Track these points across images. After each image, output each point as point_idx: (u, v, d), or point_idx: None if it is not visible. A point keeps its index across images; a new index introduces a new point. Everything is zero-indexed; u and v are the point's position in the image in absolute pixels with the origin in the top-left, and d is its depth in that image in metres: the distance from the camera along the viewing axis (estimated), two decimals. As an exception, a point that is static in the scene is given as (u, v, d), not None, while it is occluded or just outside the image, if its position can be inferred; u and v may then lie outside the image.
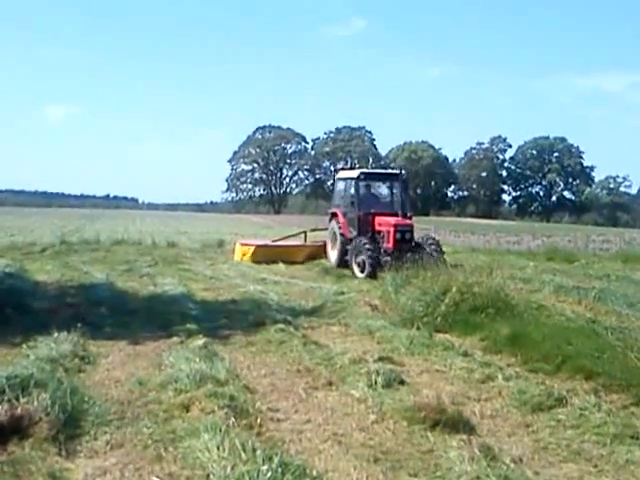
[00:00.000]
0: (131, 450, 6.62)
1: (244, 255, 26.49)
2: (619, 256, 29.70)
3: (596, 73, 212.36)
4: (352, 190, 23.85)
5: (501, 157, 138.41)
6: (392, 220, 22.12)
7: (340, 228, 23.78)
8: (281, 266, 24.50)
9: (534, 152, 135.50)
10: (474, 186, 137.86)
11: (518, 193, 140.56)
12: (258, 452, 5.98)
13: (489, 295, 13.90)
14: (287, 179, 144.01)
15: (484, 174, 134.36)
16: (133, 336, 12.00)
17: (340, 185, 25.75)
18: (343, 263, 22.94)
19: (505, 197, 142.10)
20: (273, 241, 28.49)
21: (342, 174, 26.57)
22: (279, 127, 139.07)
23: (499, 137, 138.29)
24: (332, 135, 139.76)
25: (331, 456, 6.56)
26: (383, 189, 25.71)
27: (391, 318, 14.10)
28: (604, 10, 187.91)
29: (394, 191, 24.73)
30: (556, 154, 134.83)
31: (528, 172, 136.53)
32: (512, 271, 21.20)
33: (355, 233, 22.87)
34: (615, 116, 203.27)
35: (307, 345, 11.34)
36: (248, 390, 8.68)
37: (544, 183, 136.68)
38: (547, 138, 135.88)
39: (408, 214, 23.15)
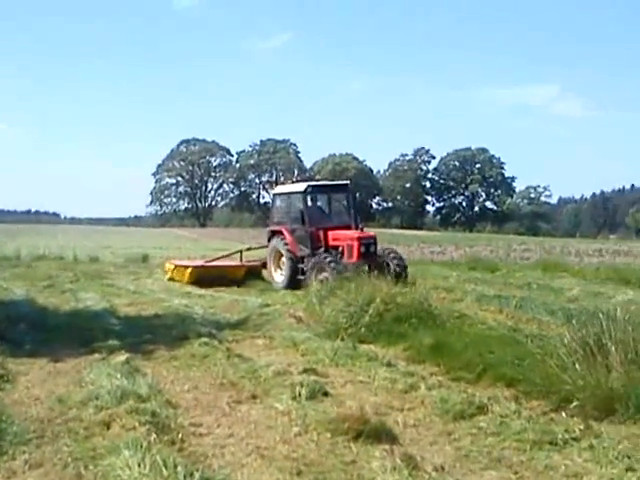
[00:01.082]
0: (50, 469, 6.50)
1: (178, 276, 24.31)
2: (539, 265, 30.29)
3: (518, 86, 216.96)
4: (299, 205, 22.41)
5: (425, 168, 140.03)
6: (354, 233, 21.15)
7: (286, 246, 22.22)
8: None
9: (456, 163, 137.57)
10: (398, 197, 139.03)
11: (442, 204, 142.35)
12: (179, 468, 5.92)
13: (412, 305, 14.09)
14: (212, 192, 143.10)
15: (408, 185, 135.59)
16: (54, 353, 11.78)
17: (281, 201, 24.31)
18: (294, 283, 21.44)
19: (429, 208, 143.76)
20: (207, 261, 26.20)
21: (282, 189, 25.19)
22: (204, 140, 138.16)
23: (422, 148, 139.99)
24: (257, 148, 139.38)
25: (254, 470, 6.52)
26: (332, 202, 24.06)
27: (315, 330, 14.11)
28: (527, 24, 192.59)
29: (344, 203, 23.80)
30: (478, 165, 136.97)
31: (451, 183, 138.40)
32: (435, 281, 21.51)
33: (307, 251, 21.55)
34: (536, 127, 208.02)
35: (231, 358, 11.28)
36: (170, 405, 8.58)
37: (467, 194, 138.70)
38: (469, 149, 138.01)
39: (360, 226, 21.98)
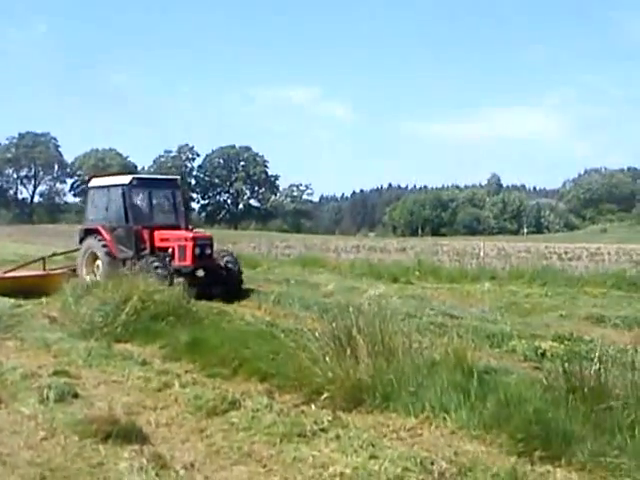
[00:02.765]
0: None
1: None
2: (299, 260, 31.09)
3: (282, 87, 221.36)
4: (122, 199, 19.73)
5: (189, 165, 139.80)
6: (187, 233, 19.11)
7: (104, 247, 19.58)
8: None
9: (221, 161, 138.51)
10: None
11: (207, 201, 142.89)
12: None
13: (170, 302, 13.95)
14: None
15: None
16: None
17: (99, 195, 21.19)
18: None
19: (194, 205, 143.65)
20: (5, 272, 21.29)
21: (100, 181, 21.80)
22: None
23: (186, 145, 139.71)
24: (15, 141, 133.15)
25: (-6, 478, 6.20)
26: (159, 198, 21.82)
27: (70, 330, 13.63)
28: (285, 25, 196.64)
29: (172, 200, 21.29)
30: (242, 163, 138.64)
31: (216, 180, 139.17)
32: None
33: (130, 252, 19.05)
34: (299, 128, 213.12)
35: (-24, 363, 10.65)
36: None
37: (232, 191, 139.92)
38: (233, 147, 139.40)
39: (190, 226, 20.21)
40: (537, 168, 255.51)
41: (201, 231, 20.41)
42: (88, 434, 7.16)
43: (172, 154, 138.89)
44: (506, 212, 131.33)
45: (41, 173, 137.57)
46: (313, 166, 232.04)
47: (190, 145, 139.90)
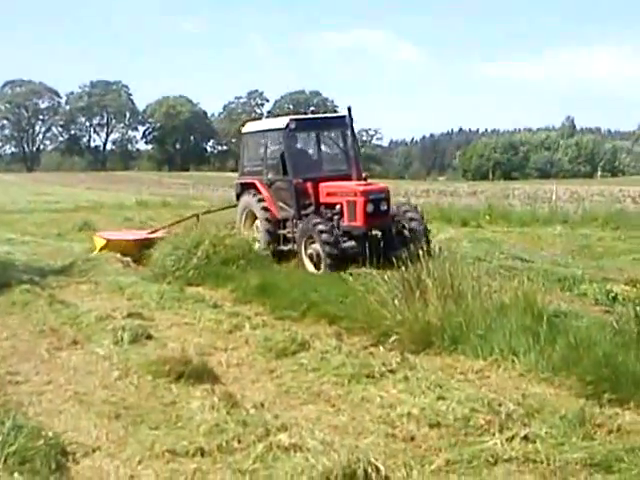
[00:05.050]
0: None
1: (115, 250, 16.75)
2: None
3: (350, 30, 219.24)
4: (279, 148, 16.23)
5: (259, 111, 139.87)
6: (357, 186, 14.59)
7: (262, 204, 16.02)
8: (29, 227, 23.43)
9: (291, 106, 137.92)
10: (233, 140, 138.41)
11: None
12: (-9, 417, 5.72)
13: (240, 247, 14.07)
14: (40, 136, 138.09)
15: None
16: None
17: (254, 143, 17.77)
18: (274, 254, 15.26)
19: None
20: (150, 232, 18.25)
21: (255, 126, 18.18)
22: (30, 81, 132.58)
23: (256, 91, 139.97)
24: (87, 89, 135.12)
25: (71, 415, 6.42)
26: (325, 143, 17.96)
27: (143, 274, 13.96)
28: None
29: (341, 144, 17.13)
30: (312, 108, 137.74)
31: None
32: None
33: (292, 211, 15.43)
34: (368, 71, 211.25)
35: (53, 305, 11.00)
36: (-15, 355, 8.29)
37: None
38: (303, 92, 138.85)
39: (364, 174, 15.32)
40: (613, 110, 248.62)
41: (374, 182, 16.13)
42: (161, 374, 7.34)
43: (242, 100, 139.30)
44: (580, 155, 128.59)
45: (113, 121, 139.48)
46: (383, 111, 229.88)
47: (260, 91, 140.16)
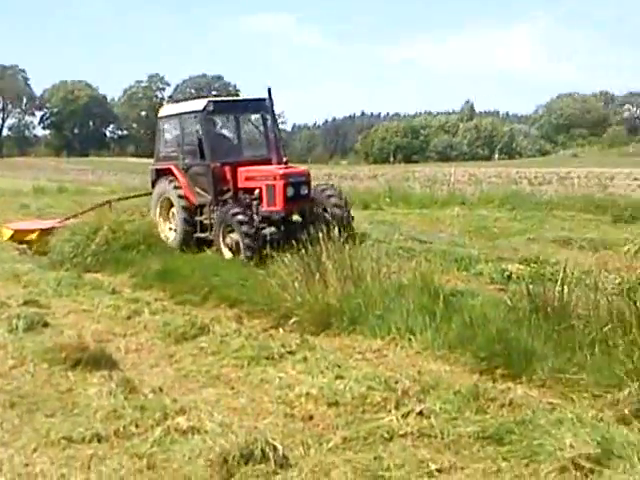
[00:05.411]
0: None
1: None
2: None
3: (251, 14, 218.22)
4: (197, 130, 15.27)
5: (160, 96, 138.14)
6: (276, 170, 13.93)
7: (178, 190, 15.09)
8: None
9: (192, 91, 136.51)
10: (134, 125, 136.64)
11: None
12: None
13: (141, 232, 13.93)
14: None
15: (144, 113, 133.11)
16: None
17: (170, 126, 16.76)
18: (193, 242, 14.55)
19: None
20: (61, 221, 16.78)
21: (171, 109, 17.51)
22: None
23: (157, 75, 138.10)
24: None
25: (-37, 406, 6.26)
26: (244, 126, 17.21)
27: (40, 262, 13.69)
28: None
29: (261, 128, 16.53)
30: (214, 92, 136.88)
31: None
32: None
33: (209, 196, 14.65)
34: (269, 56, 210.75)
35: (-55, 294, 10.67)
36: None
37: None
38: (204, 76, 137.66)
39: (284, 159, 14.41)
40: (511, 93, 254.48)
41: (295, 166, 15.48)
42: (57, 362, 7.23)
43: (143, 84, 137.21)
44: (479, 138, 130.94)
45: (9, 106, 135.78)
46: (285, 95, 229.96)
47: (160, 75, 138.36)
